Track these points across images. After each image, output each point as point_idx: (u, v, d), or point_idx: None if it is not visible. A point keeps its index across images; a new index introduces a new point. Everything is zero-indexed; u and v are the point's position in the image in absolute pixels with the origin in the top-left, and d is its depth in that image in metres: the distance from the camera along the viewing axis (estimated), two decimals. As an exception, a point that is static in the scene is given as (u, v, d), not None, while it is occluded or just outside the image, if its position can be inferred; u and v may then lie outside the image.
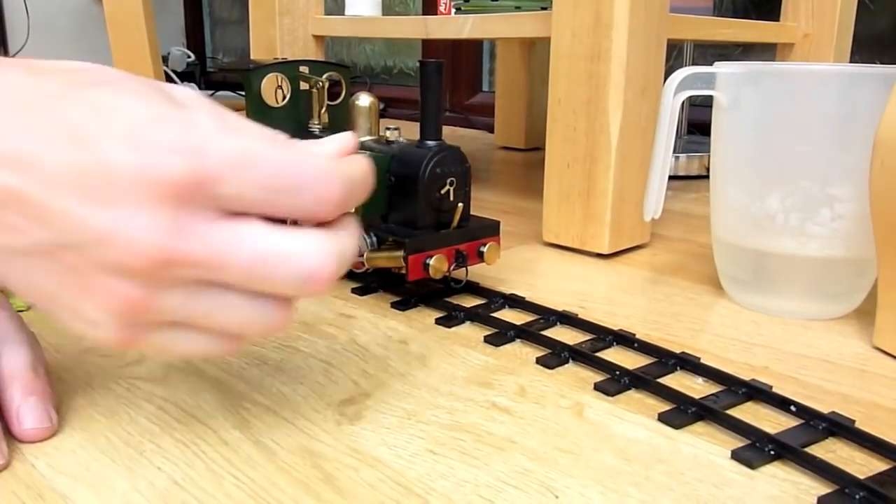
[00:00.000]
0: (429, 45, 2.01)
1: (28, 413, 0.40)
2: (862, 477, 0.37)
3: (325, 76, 0.71)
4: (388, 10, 2.08)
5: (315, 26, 1.09)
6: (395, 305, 0.61)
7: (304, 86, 0.72)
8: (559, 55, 0.74)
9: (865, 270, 0.58)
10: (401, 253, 0.57)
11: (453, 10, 1.03)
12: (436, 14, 1.12)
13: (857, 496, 0.35)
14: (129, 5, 1.44)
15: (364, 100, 0.67)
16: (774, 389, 0.46)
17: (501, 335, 0.54)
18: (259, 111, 0.68)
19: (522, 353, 0.52)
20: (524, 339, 0.54)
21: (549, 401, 0.45)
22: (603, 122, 0.71)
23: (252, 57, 1.14)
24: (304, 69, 0.71)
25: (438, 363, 0.50)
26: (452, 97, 1.98)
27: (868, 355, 0.53)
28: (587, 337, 0.54)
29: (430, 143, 0.60)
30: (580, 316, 0.57)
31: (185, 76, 2.44)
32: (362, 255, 0.60)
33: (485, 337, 0.54)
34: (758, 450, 0.40)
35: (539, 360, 0.51)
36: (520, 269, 0.71)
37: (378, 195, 0.59)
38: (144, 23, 1.43)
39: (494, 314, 0.58)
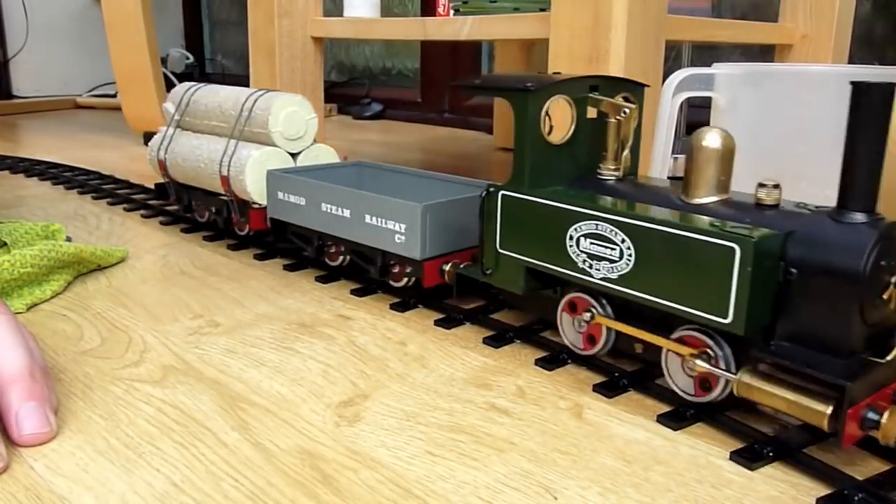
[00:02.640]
0: (428, 47, 2.01)
1: (27, 418, 0.39)
2: (861, 478, 0.37)
3: (617, 97, 0.50)
4: (386, 11, 2.08)
5: (314, 28, 1.09)
6: (393, 307, 0.61)
7: (589, 112, 0.51)
8: (558, 56, 0.74)
9: (864, 271, 0.57)
10: (822, 405, 0.37)
11: (452, 12, 1.03)
12: (434, 15, 1.12)
13: (856, 497, 0.35)
14: (127, 7, 1.44)
15: (713, 139, 0.43)
16: (773, 390, 0.46)
17: (500, 336, 0.54)
18: (538, 150, 0.49)
19: (521, 354, 0.52)
20: (523, 340, 0.54)
21: (548, 402, 0.45)
22: (602, 124, 0.71)
23: (252, 59, 1.13)
24: (594, 89, 0.50)
25: (437, 364, 0.50)
26: (451, 98, 1.99)
27: (867, 356, 0.53)
28: (586, 338, 0.54)
29: (860, 216, 0.38)
30: (579, 317, 0.57)
31: (184, 77, 2.44)
32: (721, 370, 0.41)
33: (484, 338, 0.54)
34: (756, 451, 0.39)
35: (538, 362, 0.51)
36: (519, 270, 0.71)
37: (760, 296, 0.39)
38: (143, 24, 1.43)
39: (493, 315, 0.58)
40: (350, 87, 2.23)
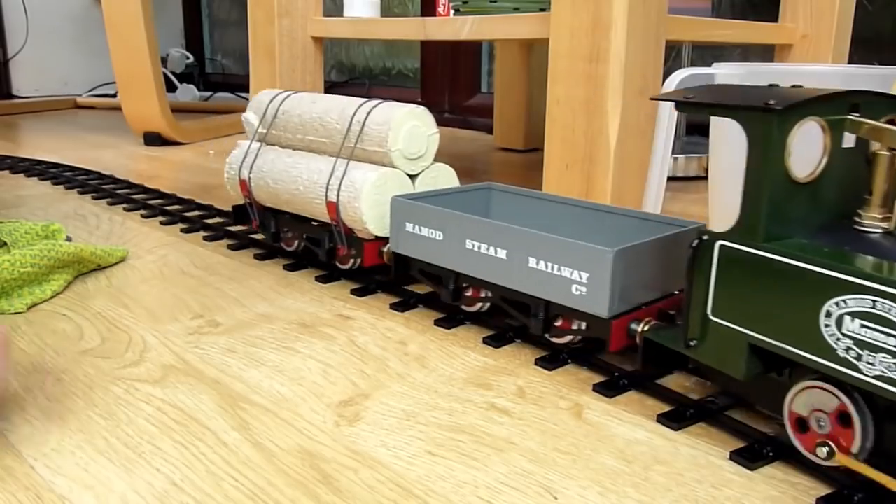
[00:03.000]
0: (428, 47, 2.01)
1: None
2: (860, 478, 0.37)
3: (883, 119, 0.39)
4: (386, 11, 2.08)
5: (314, 28, 1.09)
6: (393, 306, 0.61)
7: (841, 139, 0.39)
8: (558, 56, 0.74)
9: (864, 271, 0.57)
10: None
11: (452, 12, 1.03)
12: (434, 15, 1.12)
13: (856, 497, 0.35)
14: (128, 7, 1.44)
15: None
16: (773, 390, 0.46)
17: (500, 336, 0.54)
18: (780, 189, 0.38)
19: (521, 354, 0.52)
20: (523, 340, 0.54)
21: (548, 402, 0.45)
22: (601, 124, 0.71)
23: (252, 59, 1.13)
24: (853, 108, 0.39)
25: (437, 364, 0.50)
26: (451, 98, 1.99)
27: (867, 356, 0.53)
28: (586, 338, 0.54)
29: None
30: (579, 317, 0.57)
31: (184, 77, 2.44)
32: None
33: (484, 338, 0.54)
34: (756, 451, 0.40)
35: (538, 362, 0.51)
36: (519, 270, 0.71)
37: None
38: (143, 24, 1.43)
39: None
40: (350, 87, 2.23)
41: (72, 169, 1.19)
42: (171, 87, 2.17)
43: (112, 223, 0.87)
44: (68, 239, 0.73)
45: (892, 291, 0.32)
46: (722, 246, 0.39)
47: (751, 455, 0.39)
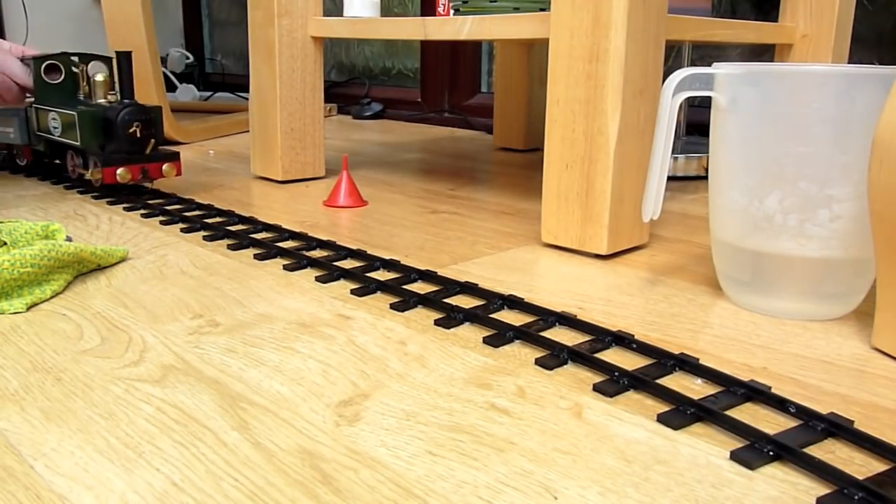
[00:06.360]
0: (428, 47, 2.01)
1: None
2: (861, 477, 0.37)
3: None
4: (386, 11, 2.08)
5: (314, 27, 1.09)
6: (393, 306, 0.61)
7: None
8: (558, 56, 0.74)
9: (864, 271, 0.58)
10: None
11: (452, 12, 1.03)
12: (434, 15, 1.12)
13: (856, 497, 0.35)
14: (127, 7, 1.44)
15: None
16: (773, 390, 0.46)
17: (500, 336, 0.54)
18: None
19: (521, 353, 0.52)
20: (523, 339, 0.54)
21: (548, 402, 0.45)
22: (601, 123, 0.71)
23: (251, 59, 1.13)
24: None
25: (437, 364, 0.50)
26: (451, 98, 1.99)
27: (867, 356, 0.53)
28: (586, 338, 0.54)
29: None
30: (579, 317, 0.57)
31: (184, 77, 2.44)
32: None
33: (484, 338, 0.54)
34: (757, 450, 0.40)
35: (538, 361, 0.51)
36: (518, 270, 0.71)
37: None
38: (143, 24, 1.43)
39: (493, 315, 0.58)
40: (350, 86, 2.23)
41: (72, 169, 1.19)
42: (171, 87, 2.17)
43: (112, 223, 0.87)
44: (68, 239, 0.73)
45: None
46: None
47: (751, 455, 0.39)
